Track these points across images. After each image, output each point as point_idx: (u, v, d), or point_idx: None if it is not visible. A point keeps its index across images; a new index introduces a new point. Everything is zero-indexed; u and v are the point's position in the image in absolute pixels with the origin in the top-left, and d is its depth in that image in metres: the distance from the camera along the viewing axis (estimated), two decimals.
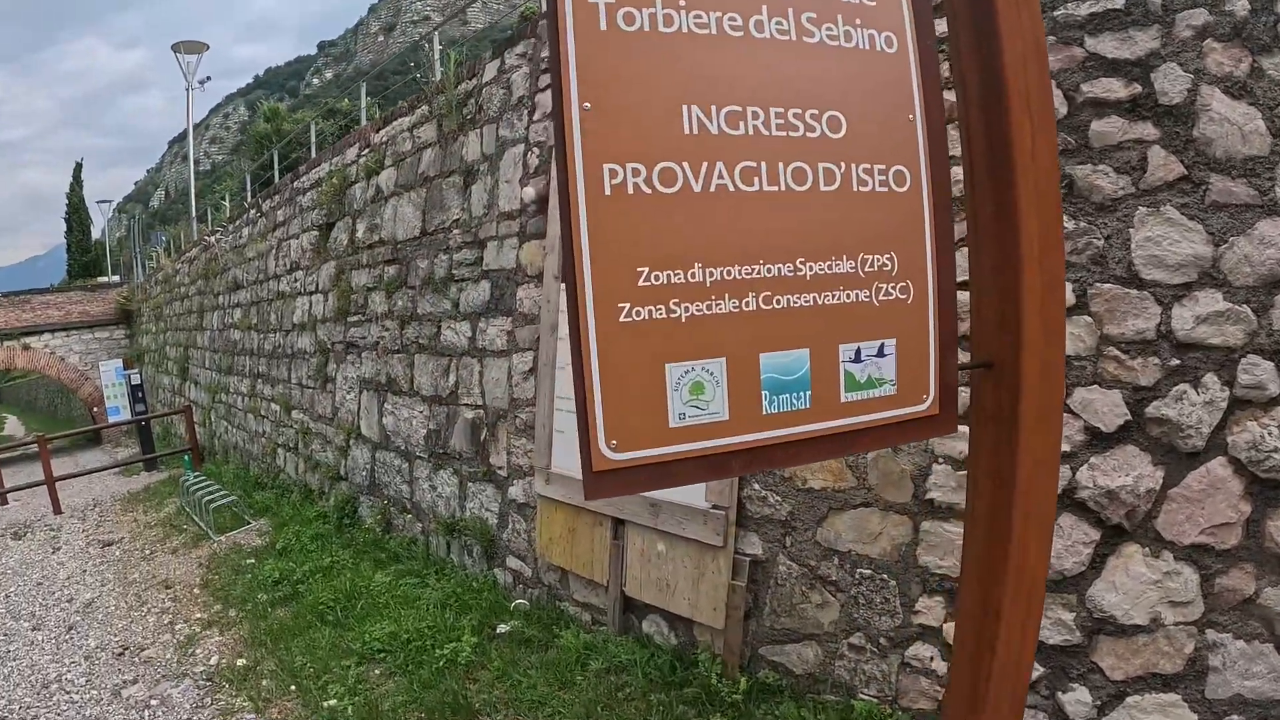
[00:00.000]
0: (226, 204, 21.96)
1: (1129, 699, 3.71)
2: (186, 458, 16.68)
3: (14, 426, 63.50)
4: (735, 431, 1.80)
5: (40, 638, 8.74)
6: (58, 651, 8.24)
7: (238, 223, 16.45)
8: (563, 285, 6.15)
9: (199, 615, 8.38)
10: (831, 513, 4.68)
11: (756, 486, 4.97)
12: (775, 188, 1.80)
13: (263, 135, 44.16)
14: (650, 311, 1.67)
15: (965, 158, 1.96)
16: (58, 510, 15.67)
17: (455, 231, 7.79)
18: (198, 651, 7.45)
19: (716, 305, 1.73)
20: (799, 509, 4.80)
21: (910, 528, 4.40)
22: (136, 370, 21.74)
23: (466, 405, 7.56)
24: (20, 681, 7.62)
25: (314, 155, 13.39)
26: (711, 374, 1.76)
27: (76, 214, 58.51)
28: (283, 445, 12.82)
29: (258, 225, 14.64)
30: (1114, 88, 3.76)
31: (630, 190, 1.63)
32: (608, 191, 1.62)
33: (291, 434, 12.29)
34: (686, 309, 1.69)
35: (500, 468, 7.10)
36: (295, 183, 12.57)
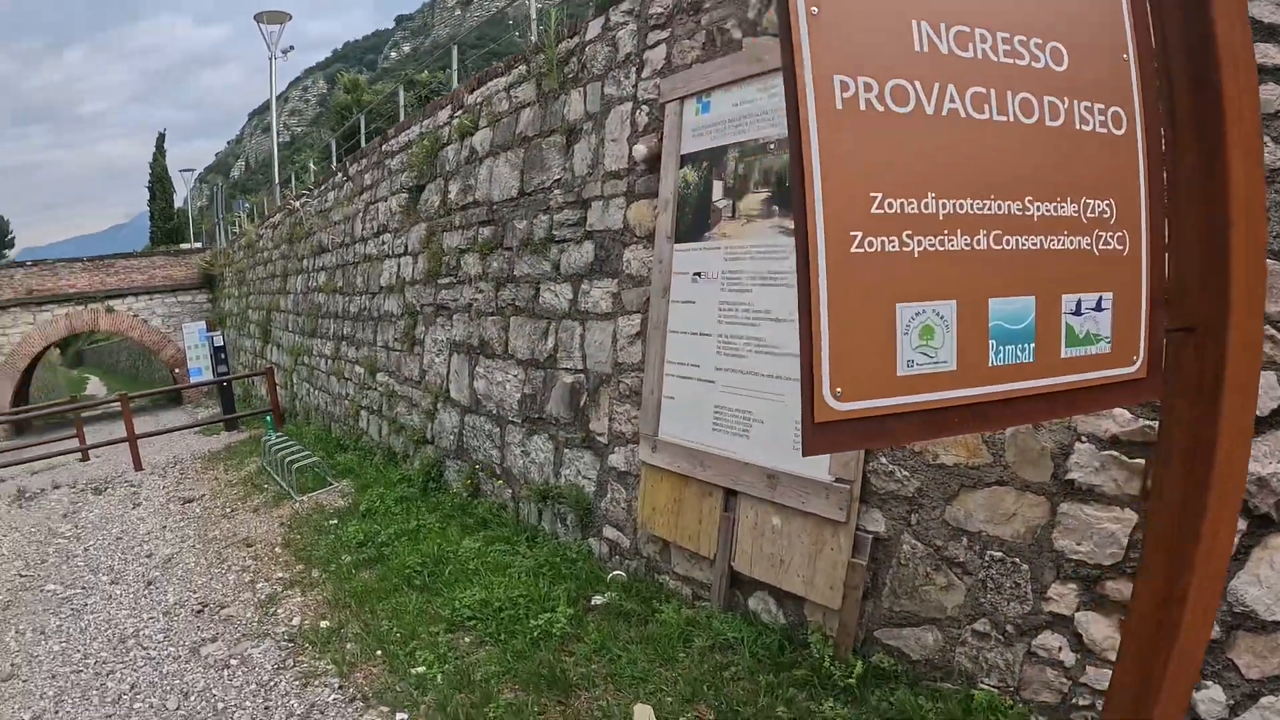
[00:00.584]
0: (312, 168, 22.16)
1: (1264, 699, 3.47)
2: (268, 418, 16.94)
3: (96, 387, 65.57)
4: (961, 384, 1.65)
5: (118, 592, 8.91)
6: (136, 606, 8.38)
7: (323, 187, 16.58)
8: (675, 246, 6.01)
9: (280, 575, 8.46)
10: (963, 490, 4.48)
11: (884, 460, 4.78)
12: (1004, 118, 1.66)
13: (343, 106, 44.82)
14: (883, 243, 1.52)
15: (1167, 108, 1.78)
16: (138, 467, 16.07)
17: (556, 192, 7.67)
18: (279, 611, 7.50)
19: (949, 241, 1.59)
20: (928, 485, 4.61)
21: (1047, 509, 4.17)
22: (219, 332, 22.13)
23: (565, 369, 7.46)
24: (97, 635, 7.74)
25: (401, 119, 13.36)
26: (942, 318, 1.61)
27: (160, 183, 60.13)
28: (366, 408, 12.92)
29: (344, 189, 14.71)
30: (1271, 53, 3.48)
31: (862, 106, 1.49)
32: (839, 105, 1.47)
33: (376, 397, 12.36)
34: (920, 243, 1.55)
35: (600, 434, 6.99)
36: (384, 146, 12.58)
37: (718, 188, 5.76)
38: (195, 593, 8.42)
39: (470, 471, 9.15)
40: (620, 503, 6.78)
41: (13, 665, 7.34)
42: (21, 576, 9.97)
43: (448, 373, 9.80)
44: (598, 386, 7.03)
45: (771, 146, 5.39)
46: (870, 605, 4.86)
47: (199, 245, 38.07)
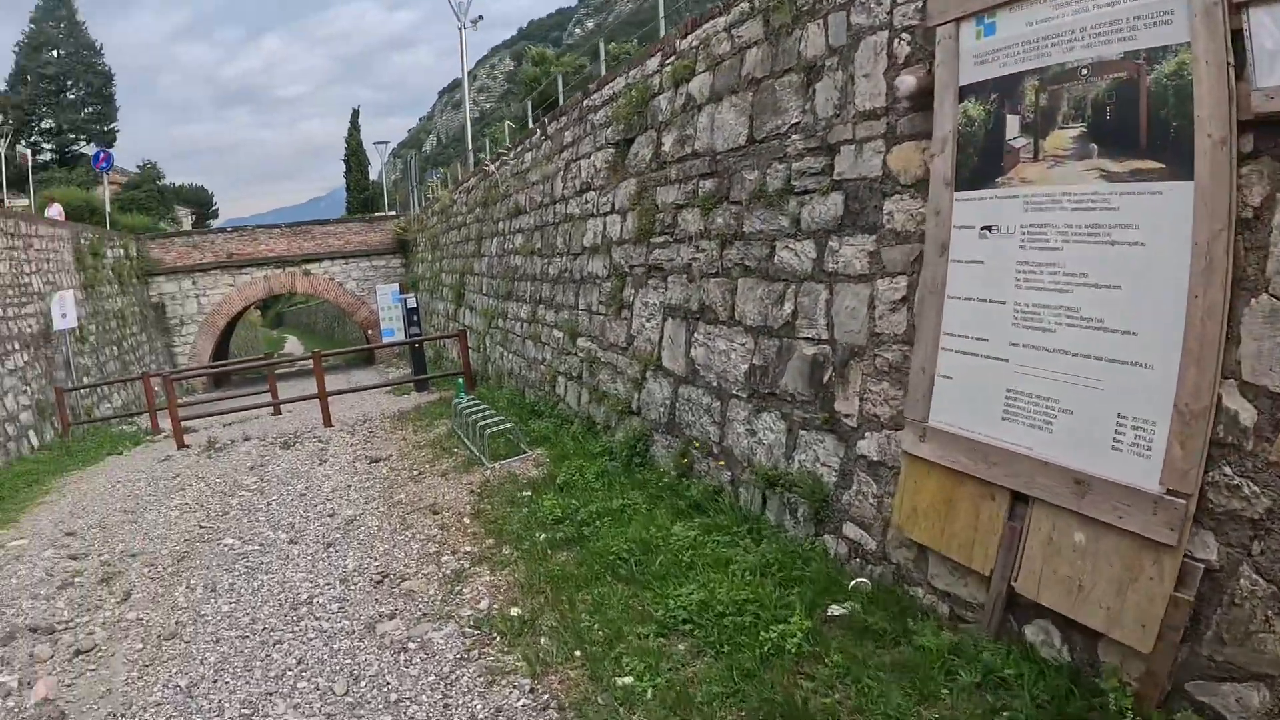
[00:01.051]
0: (508, 129, 21.95)
1: None
2: (459, 381, 16.78)
3: (293, 345, 69.08)
4: None
5: (296, 552, 8.65)
6: (313, 570, 8.07)
7: (519, 149, 16.20)
8: (956, 195, 5.01)
9: (468, 548, 7.95)
10: None
11: (1228, 470, 3.70)
12: None
13: (532, 79, 45.62)
14: None
15: None
16: (328, 423, 16.20)
17: (794, 137, 6.77)
18: (465, 591, 6.95)
19: None
20: None
21: None
22: (412, 295, 22.29)
23: (806, 339, 6.57)
24: (269, 598, 7.44)
25: (603, 73, 12.67)
26: None
27: (354, 156, 62.87)
28: (564, 374, 12.39)
29: (542, 149, 14.23)
30: None
31: None
32: None
33: (575, 362, 11.80)
34: None
35: (847, 415, 6.08)
36: (585, 101, 11.95)
37: (1011, 124, 4.72)
38: (375, 560, 8.06)
39: (682, 448, 8.40)
40: (868, 498, 5.86)
41: (177, 623, 7.11)
42: (201, 528, 9.98)
43: (660, 339, 9.06)
44: (847, 360, 6.10)
45: (1084, 72, 4.32)
46: (1186, 651, 3.82)
47: (393, 214, 39.17)
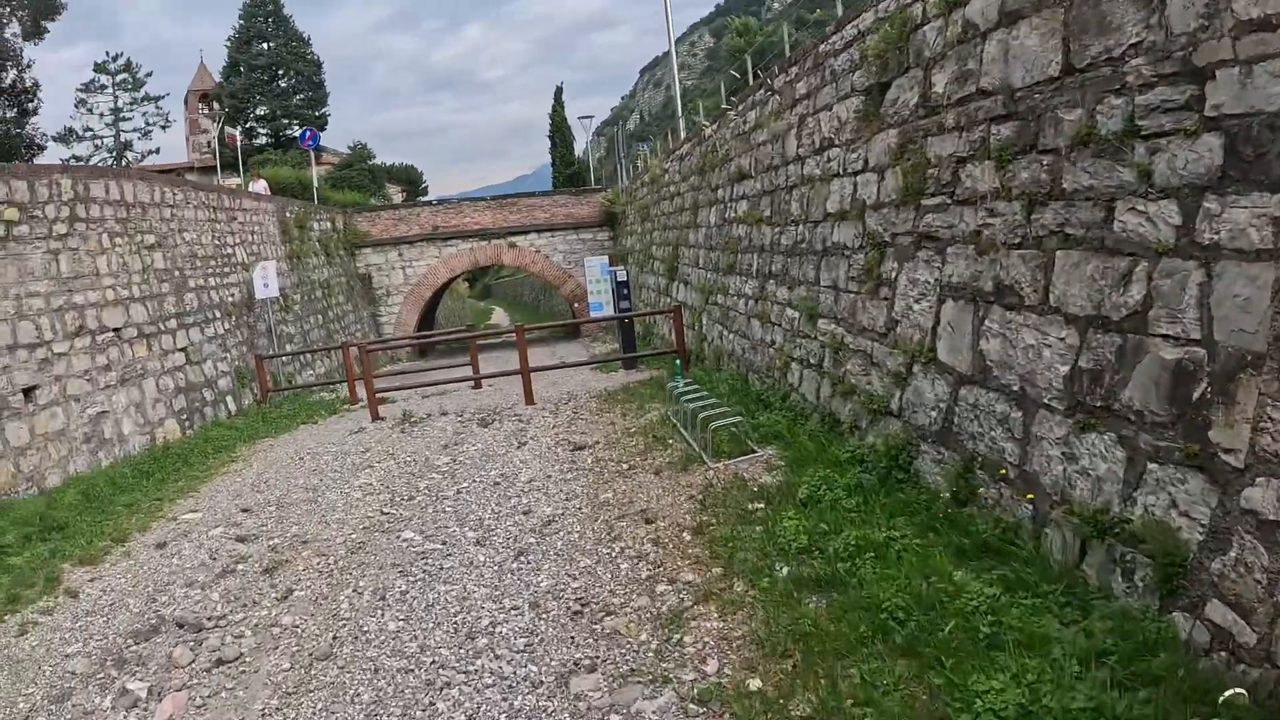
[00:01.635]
0: (723, 89, 20.51)
1: None
2: (676, 362, 15.57)
3: (499, 317, 70.72)
4: None
5: (483, 558, 7.65)
6: (499, 585, 6.98)
7: (740, 108, 14.75)
8: None
9: (689, 577, 6.65)
10: None
11: None
12: None
13: (738, 49, 44.84)
14: None
15: None
16: (529, 401, 15.39)
17: (1136, 61, 5.04)
18: (686, 641, 5.65)
19: None
20: None
21: None
22: (622, 268, 21.30)
23: (1164, 337, 4.85)
24: (444, 620, 6.41)
25: (840, 14, 10.99)
26: None
27: (559, 132, 63.25)
28: (799, 360, 10.90)
29: (768, 105, 12.75)
30: None
31: None
32: None
33: (814, 348, 10.28)
34: None
35: (1229, 450, 4.35)
36: (822, 46, 10.37)
37: None
38: (575, 580, 6.92)
39: (961, 466, 6.77)
40: (1253, 570, 4.12)
41: (335, 639, 6.25)
42: (383, 514, 9.30)
43: (934, 325, 7.44)
44: (1233, 371, 4.36)
45: None
46: None
47: (599, 187, 38.74)
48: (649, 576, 6.80)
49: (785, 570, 6.29)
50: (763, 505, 7.80)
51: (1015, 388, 6.17)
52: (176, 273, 16.32)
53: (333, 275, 28.67)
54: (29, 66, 42.49)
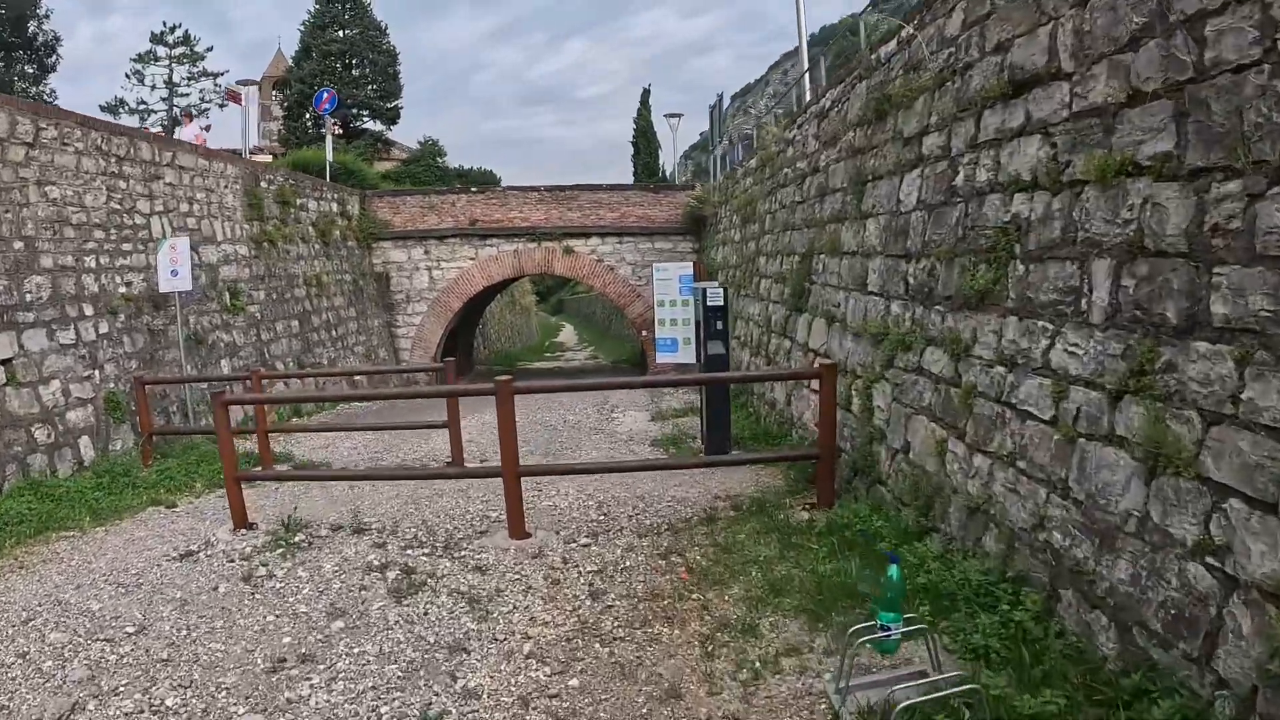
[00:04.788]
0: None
1: None
2: (874, 542, 7.71)
3: (568, 335, 64.17)
4: None
5: None
6: None
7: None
8: None
9: None
10: None
11: None
12: None
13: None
14: None
15: None
16: (518, 531, 7.82)
17: None
18: None
19: None
20: None
21: None
22: (716, 284, 13.47)
23: None
24: None
25: None
26: None
27: (644, 136, 57.94)
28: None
29: None
30: None
31: None
32: None
33: None
34: None
35: None
36: None
37: None
38: None
39: None
40: None
41: None
42: None
43: None
44: None
45: None
46: None
47: (685, 184, 31.03)
48: None
49: None
50: None
51: None
52: (19, 244, 10.46)
53: (329, 270, 22.17)
54: (48, 16, 40.81)
